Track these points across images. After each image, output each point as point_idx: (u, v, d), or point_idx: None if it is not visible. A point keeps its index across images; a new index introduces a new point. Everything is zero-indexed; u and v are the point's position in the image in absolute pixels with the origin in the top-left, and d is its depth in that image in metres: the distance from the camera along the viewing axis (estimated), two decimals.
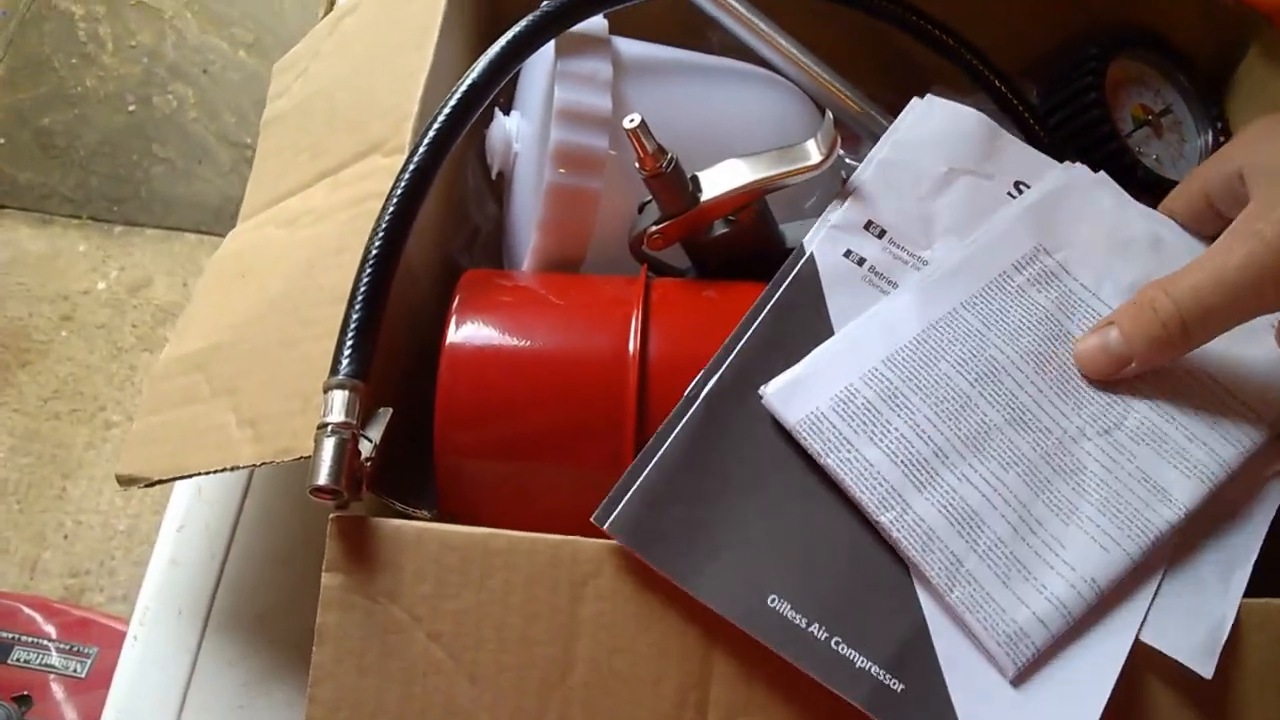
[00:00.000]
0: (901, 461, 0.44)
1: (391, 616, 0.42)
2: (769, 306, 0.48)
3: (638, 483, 0.43)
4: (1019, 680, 0.42)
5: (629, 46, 0.58)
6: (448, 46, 0.55)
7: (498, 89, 0.51)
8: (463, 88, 0.49)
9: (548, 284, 0.52)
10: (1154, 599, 0.44)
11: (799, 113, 0.61)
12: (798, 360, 0.46)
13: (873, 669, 0.41)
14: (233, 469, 0.46)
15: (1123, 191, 0.53)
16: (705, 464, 0.44)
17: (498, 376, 0.47)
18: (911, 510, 0.43)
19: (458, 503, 0.48)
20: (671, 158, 0.48)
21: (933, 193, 0.52)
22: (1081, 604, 0.43)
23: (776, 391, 0.45)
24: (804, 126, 0.60)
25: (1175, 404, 0.47)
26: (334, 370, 0.43)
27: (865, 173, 0.52)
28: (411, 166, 0.48)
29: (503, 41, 0.51)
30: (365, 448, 0.42)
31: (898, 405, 0.45)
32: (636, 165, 0.49)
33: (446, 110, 0.49)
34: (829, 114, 0.50)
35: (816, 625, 0.42)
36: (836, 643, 0.41)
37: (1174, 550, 0.45)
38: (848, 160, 0.64)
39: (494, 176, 0.61)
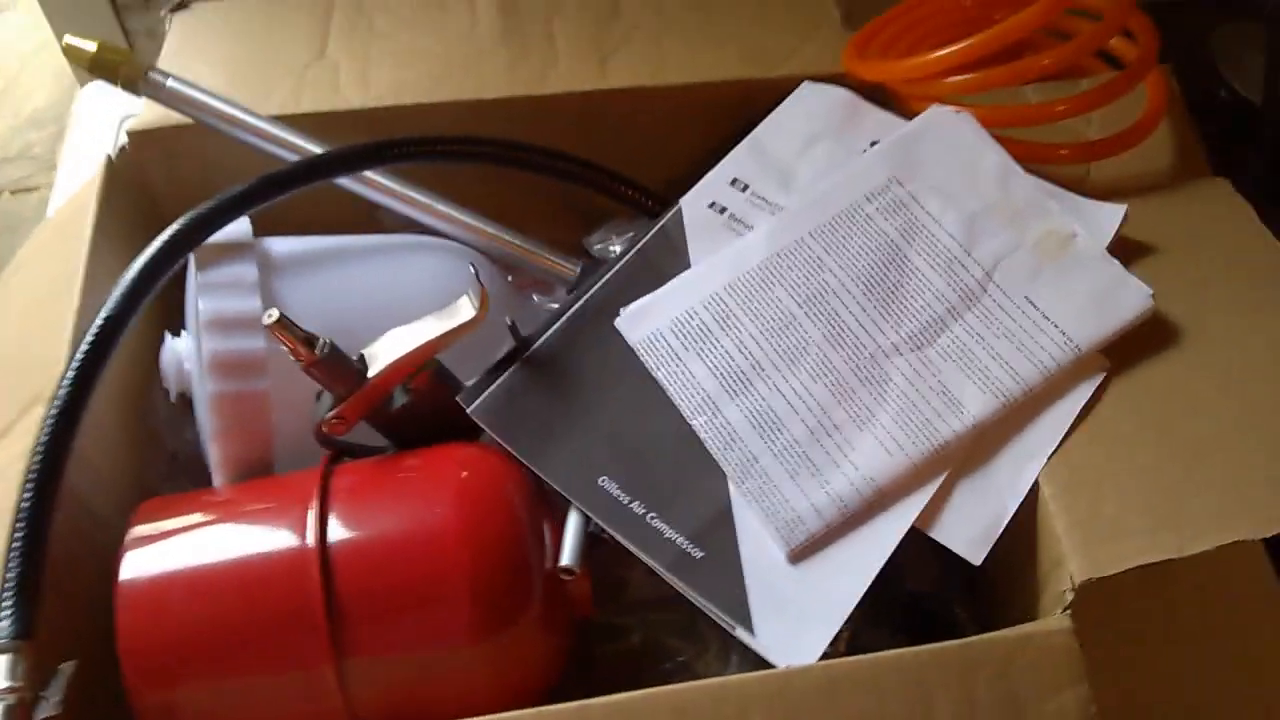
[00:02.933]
0: (721, 374, 0.52)
1: None
2: (634, 250, 0.57)
3: (502, 377, 0.54)
4: (796, 558, 0.50)
5: (278, 244, 0.59)
6: (99, 283, 0.55)
7: (136, 314, 0.52)
8: (98, 322, 0.50)
9: (227, 495, 0.53)
10: (946, 498, 0.51)
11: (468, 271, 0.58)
12: (654, 291, 0.55)
13: (678, 540, 0.50)
14: None
15: (984, 131, 0.58)
16: (562, 370, 0.54)
17: (178, 603, 0.46)
18: (720, 415, 0.52)
19: None
20: (325, 343, 0.49)
21: (797, 154, 0.59)
22: (859, 499, 0.50)
23: (626, 316, 0.55)
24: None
25: (988, 326, 0.53)
26: None
27: (737, 148, 0.59)
28: (54, 412, 0.48)
29: (132, 272, 0.52)
30: (45, 708, 0.41)
31: (728, 325, 0.53)
32: (291, 358, 0.49)
33: (83, 350, 0.50)
34: (471, 269, 0.52)
35: (637, 503, 0.51)
36: (651, 517, 0.51)
37: (973, 449, 0.52)
38: (535, 299, 0.68)
39: (174, 399, 0.60)
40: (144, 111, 0.65)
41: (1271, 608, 0.51)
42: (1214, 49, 0.96)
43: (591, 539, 0.51)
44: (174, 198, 0.65)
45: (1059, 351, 0.52)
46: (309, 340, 0.49)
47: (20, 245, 0.66)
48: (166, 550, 0.48)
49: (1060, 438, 0.51)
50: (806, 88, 0.62)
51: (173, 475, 0.62)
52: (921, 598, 0.56)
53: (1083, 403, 0.51)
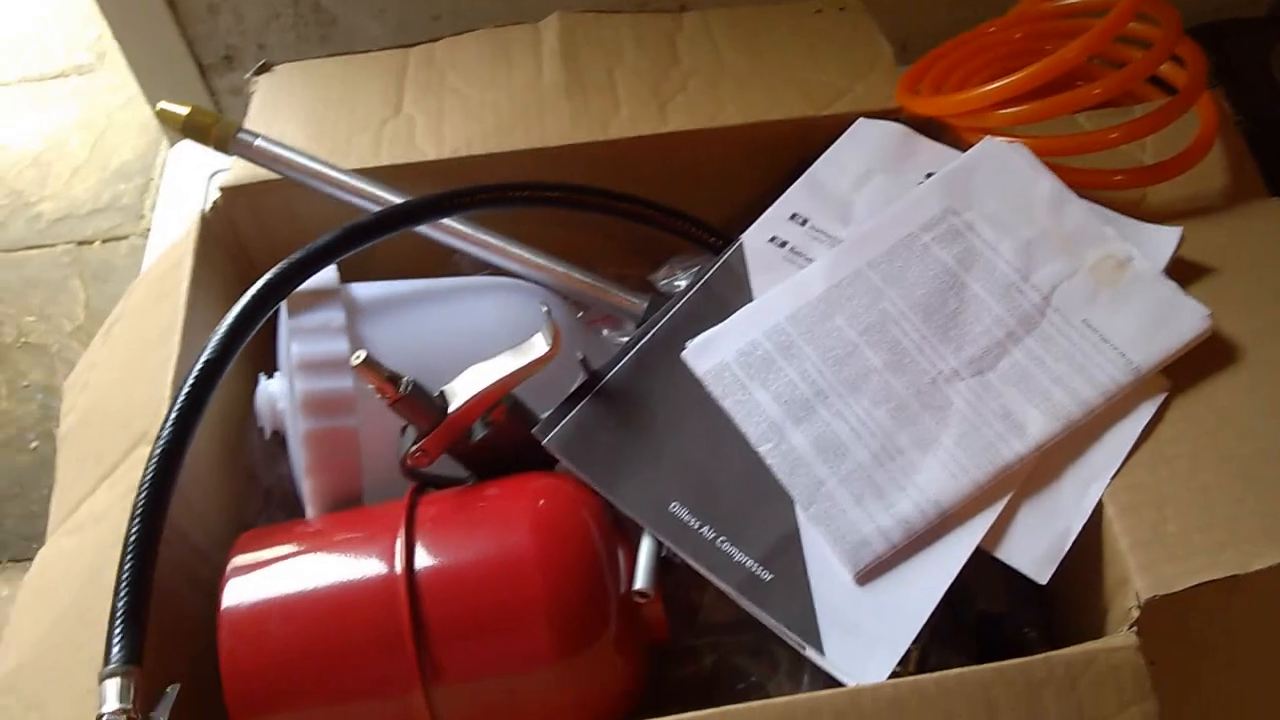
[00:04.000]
0: (785, 401, 0.54)
1: None
2: (699, 284, 0.59)
3: (575, 410, 0.56)
4: (863, 580, 0.51)
5: (363, 289, 0.63)
6: (197, 330, 0.60)
7: (233, 358, 0.55)
8: (198, 366, 0.54)
9: (320, 526, 0.55)
10: (1011, 519, 0.52)
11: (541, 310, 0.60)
12: (719, 323, 0.57)
13: (748, 562, 0.52)
14: None
15: (1036, 159, 0.59)
16: (632, 402, 0.56)
17: (276, 629, 0.49)
18: (786, 441, 0.54)
19: None
20: (408, 381, 0.52)
21: (853, 188, 0.61)
22: (924, 521, 0.51)
23: (693, 348, 0.57)
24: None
25: (1048, 349, 0.54)
26: (105, 660, 0.45)
27: (796, 184, 0.62)
28: (158, 450, 0.51)
29: (229, 319, 0.55)
30: None
31: (791, 355, 0.55)
32: (378, 396, 0.52)
33: (184, 392, 0.53)
34: (545, 309, 0.55)
35: (707, 528, 0.53)
36: (721, 541, 0.53)
37: (1037, 471, 0.53)
38: (605, 334, 0.70)
39: (268, 438, 0.64)
40: (234, 168, 0.69)
41: None
42: (1274, 67, 0.96)
43: (664, 564, 0.52)
44: (264, 248, 0.71)
45: (1118, 373, 0.53)
46: (393, 379, 0.52)
47: (112, 291, 0.69)
48: (264, 580, 0.51)
49: (1123, 458, 0.52)
50: (861, 124, 0.65)
51: (267, 509, 0.66)
52: (991, 618, 0.56)
53: (1144, 423, 0.52)
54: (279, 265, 0.58)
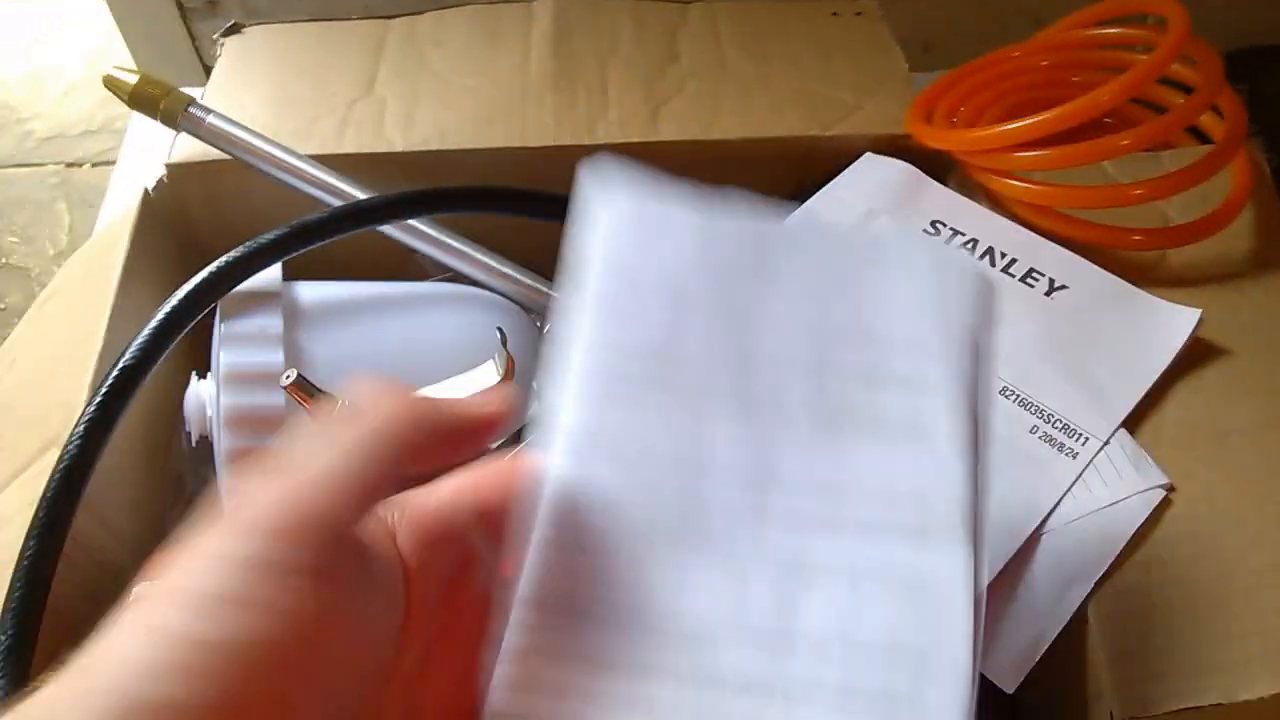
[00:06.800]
0: None
1: None
2: None
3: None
4: None
5: (307, 291, 0.58)
6: (127, 323, 0.54)
7: (156, 363, 0.51)
8: (114, 372, 0.50)
9: None
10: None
11: (508, 325, 0.56)
12: None
13: None
14: None
15: None
16: None
17: None
18: None
19: None
20: (343, 404, 0.45)
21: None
22: None
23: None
24: (512, 335, 0.55)
25: None
26: None
27: (791, 216, 0.56)
28: (61, 467, 0.47)
29: (154, 322, 0.51)
30: None
31: None
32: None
33: (96, 402, 0.49)
34: (498, 333, 0.50)
35: None
36: None
37: (1011, 566, 0.48)
38: None
39: (194, 443, 0.57)
40: (186, 144, 0.63)
41: None
42: None
43: None
44: (215, 231, 0.65)
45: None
46: (329, 402, 0.47)
47: (97, 218, 0.66)
48: None
49: (1111, 560, 0.47)
50: (868, 159, 0.59)
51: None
52: None
53: (1138, 524, 0.48)
54: (214, 264, 0.53)
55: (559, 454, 0.34)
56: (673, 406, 0.34)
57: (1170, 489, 0.49)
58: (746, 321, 0.35)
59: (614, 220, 0.37)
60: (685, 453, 0.34)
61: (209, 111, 0.60)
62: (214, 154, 0.62)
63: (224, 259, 0.54)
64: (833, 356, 0.35)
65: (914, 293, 0.35)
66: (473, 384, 0.49)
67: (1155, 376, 0.51)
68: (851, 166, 0.59)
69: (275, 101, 0.66)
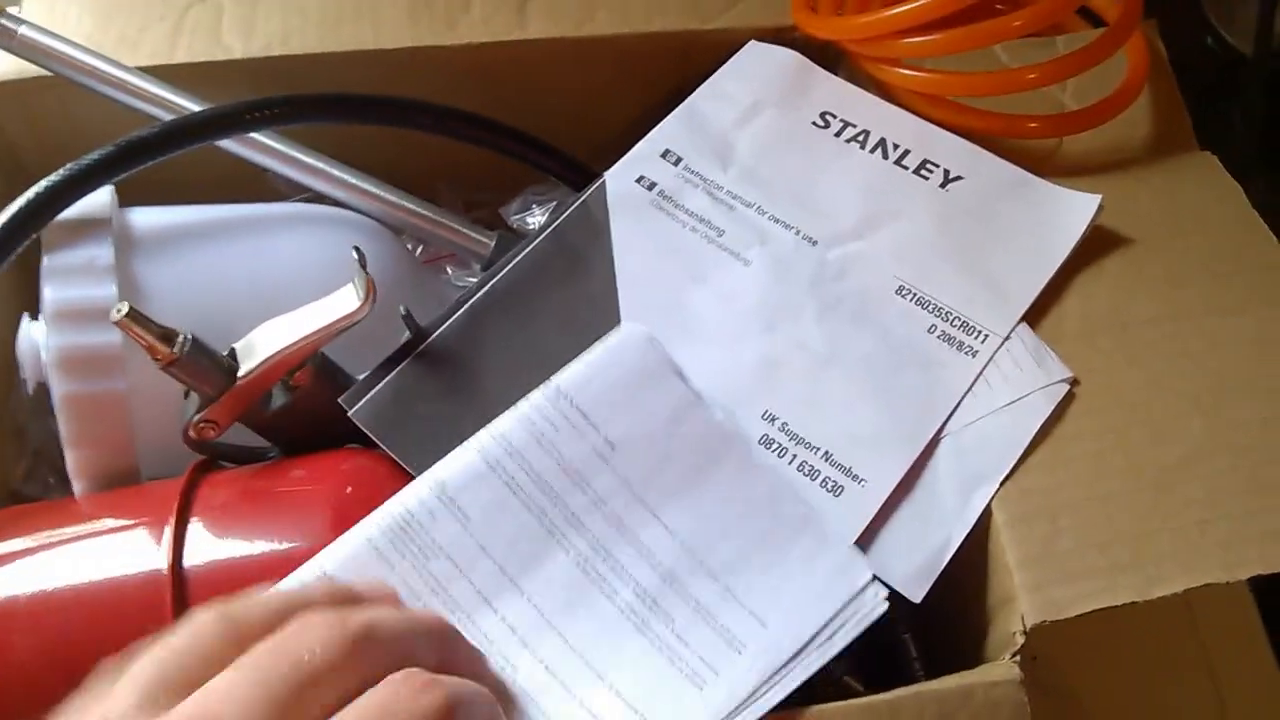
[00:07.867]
0: None
1: None
2: (549, 230, 0.50)
3: (389, 376, 0.47)
4: None
5: (142, 216, 0.53)
6: None
7: None
8: None
9: (82, 508, 0.48)
10: (883, 526, 0.45)
11: (372, 248, 0.49)
12: (574, 279, 0.48)
13: None
14: None
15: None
16: (461, 367, 0.48)
17: (19, 640, 0.41)
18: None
19: None
20: (185, 339, 0.43)
21: (736, 124, 0.53)
22: None
23: None
24: (378, 259, 0.50)
25: None
26: None
27: (672, 114, 0.53)
28: None
29: None
30: None
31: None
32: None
33: None
34: (354, 254, 0.45)
35: None
36: None
37: (913, 471, 0.46)
38: (449, 275, 0.61)
39: (31, 391, 0.52)
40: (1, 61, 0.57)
41: (1248, 652, 0.46)
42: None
43: None
44: (38, 155, 0.59)
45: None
46: (166, 336, 0.43)
47: None
48: (6, 578, 0.43)
49: (1015, 460, 0.45)
50: (751, 48, 0.55)
51: (37, 474, 0.56)
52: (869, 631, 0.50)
53: (1043, 419, 0.46)
54: (31, 190, 0.47)
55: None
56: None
57: (1074, 383, 0.47)
58: None
59: None
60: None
61: (21, 22, 0.54)
62: (32, 70, 0.56)
63: (42, 184, 0.48)
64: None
65: None
66: (330, 310, 0.45)
67: (1055, 267, 0.49)
68: (735, 56, 0.55)
69: (101, 10, 0.60)
